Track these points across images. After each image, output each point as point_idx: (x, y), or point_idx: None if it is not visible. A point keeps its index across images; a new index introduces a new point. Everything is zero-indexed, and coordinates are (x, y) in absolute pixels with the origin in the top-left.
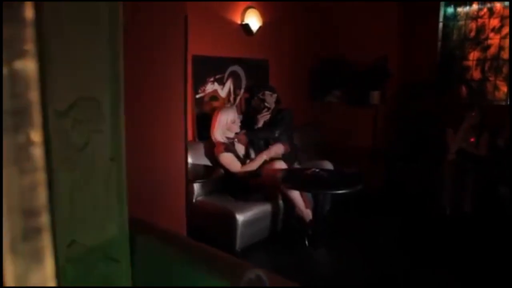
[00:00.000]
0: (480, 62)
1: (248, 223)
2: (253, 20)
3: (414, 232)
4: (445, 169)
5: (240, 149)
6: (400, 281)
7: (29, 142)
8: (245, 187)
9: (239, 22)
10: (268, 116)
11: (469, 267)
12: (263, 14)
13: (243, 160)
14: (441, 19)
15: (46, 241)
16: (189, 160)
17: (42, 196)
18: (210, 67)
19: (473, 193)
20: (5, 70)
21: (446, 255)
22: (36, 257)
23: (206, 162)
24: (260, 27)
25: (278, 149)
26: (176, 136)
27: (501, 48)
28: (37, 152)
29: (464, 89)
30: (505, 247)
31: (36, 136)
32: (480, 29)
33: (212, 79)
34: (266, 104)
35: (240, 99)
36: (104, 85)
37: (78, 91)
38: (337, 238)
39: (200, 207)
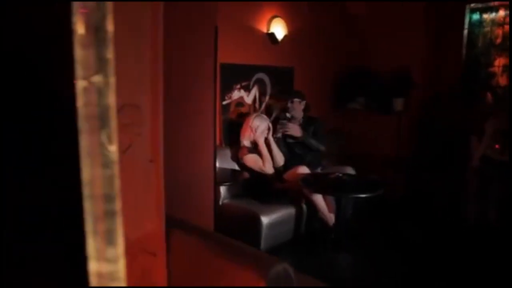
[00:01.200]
0: (506, 68)
1: (272, 225)
2: (279, 29)
3: (436, 240)
4: (469, 177)
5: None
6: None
7: (108, 141)
8: (270, 191)
9: (265, 31)
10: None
11: (491, 279)
12: (288, 23)
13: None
14: (466, 26)
15: (118, 223)
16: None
17: (116, 185)
18: (236, 75)
19: (498, 201)
20: (85, 83)
21: (467, 264)
22: (111, 236)
23: (232, 166)
24: (285, 36)
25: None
26: (205, 141)
27: None
28: (113, 149)
29: (489, 96)
30: None
31: (112, 136)
32: (507, 36)
33: (238, 86)
34: (287, 114)
35: (265, 105)
36: (145, 92)
37: (122, 98)
38: (359, 243)
39: (226, 209)
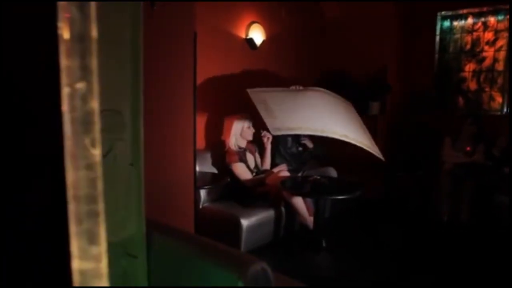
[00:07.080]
0: (476, 73)
1: (252, 228)
2: (257, 35)
3: (412, 239)
4: (442, 178)
5: (250, 159)
6: (397, 286)
7: (92, 144)
8: (251, 194)
9: (243, 36)
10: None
11: (463, 274)
12: (267, 29)
13: (252, 170)
14: (438, 32)
15: (101, 223)
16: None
17: (99, 187)
18: None
19: (470, 201)
20: (68, 89)
21: (442, 261)
22: (93, 235)
23: (212, 169)
24: (263, 41)
25: (283, 172)
26: (186, 145)
27: (495, 60)
28: (97, 152)
29: (461, 100)
30: (499, 255)
31: (96, 138)
32: (475, 42)
33: None
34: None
35: None
36: (126, 98)
37: (103, 104)
38: (338, 244)
39: (206, 213)
